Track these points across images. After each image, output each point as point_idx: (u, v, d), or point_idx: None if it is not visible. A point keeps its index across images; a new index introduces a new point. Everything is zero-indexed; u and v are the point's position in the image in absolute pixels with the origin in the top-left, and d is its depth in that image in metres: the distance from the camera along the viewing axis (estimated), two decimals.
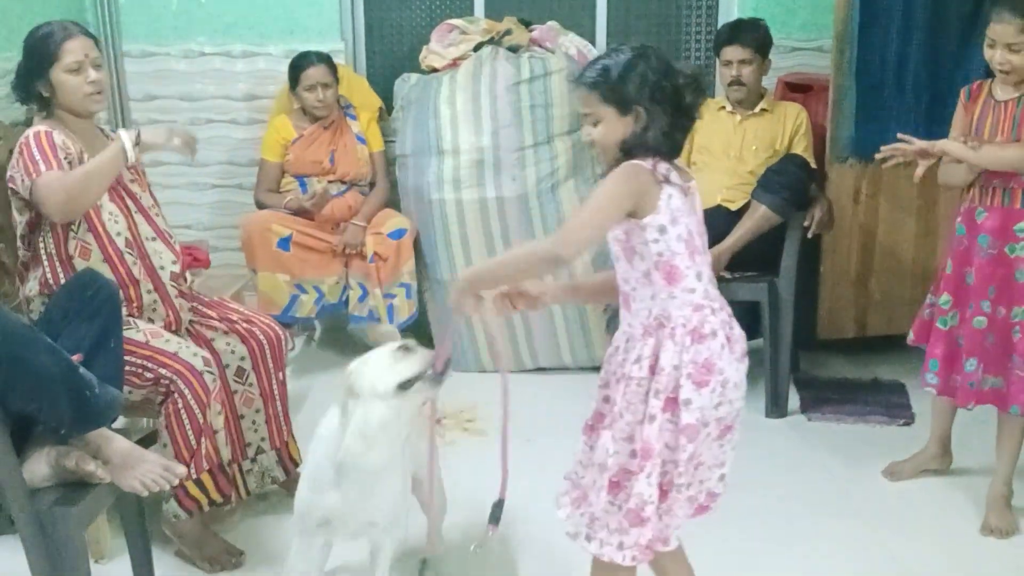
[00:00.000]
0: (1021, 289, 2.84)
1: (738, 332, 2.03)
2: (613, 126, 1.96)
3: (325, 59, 4.10)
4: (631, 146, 1.95)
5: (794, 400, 3.85)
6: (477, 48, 4.17)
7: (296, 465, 3.04)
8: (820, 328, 4.14)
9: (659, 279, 1.95)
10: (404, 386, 2.08)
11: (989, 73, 3.93)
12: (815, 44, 4.42)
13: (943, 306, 3.05)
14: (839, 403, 3.83)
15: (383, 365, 2.10)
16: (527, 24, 4.25)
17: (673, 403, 1.94)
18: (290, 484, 2.90)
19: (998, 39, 2.79)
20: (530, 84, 3.98)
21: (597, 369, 4.09)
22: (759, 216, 3.66)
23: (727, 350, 1.96)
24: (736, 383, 1.98)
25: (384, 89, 4.48)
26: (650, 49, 2.00)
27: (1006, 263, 2.85)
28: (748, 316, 4.21)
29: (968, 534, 2.92)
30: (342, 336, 4.55)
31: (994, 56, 2.82)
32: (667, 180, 1.92)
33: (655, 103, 1.94)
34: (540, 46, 4.16)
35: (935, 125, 3.99)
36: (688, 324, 1.95)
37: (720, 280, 3.62)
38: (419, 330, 4.24)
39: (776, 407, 3.76)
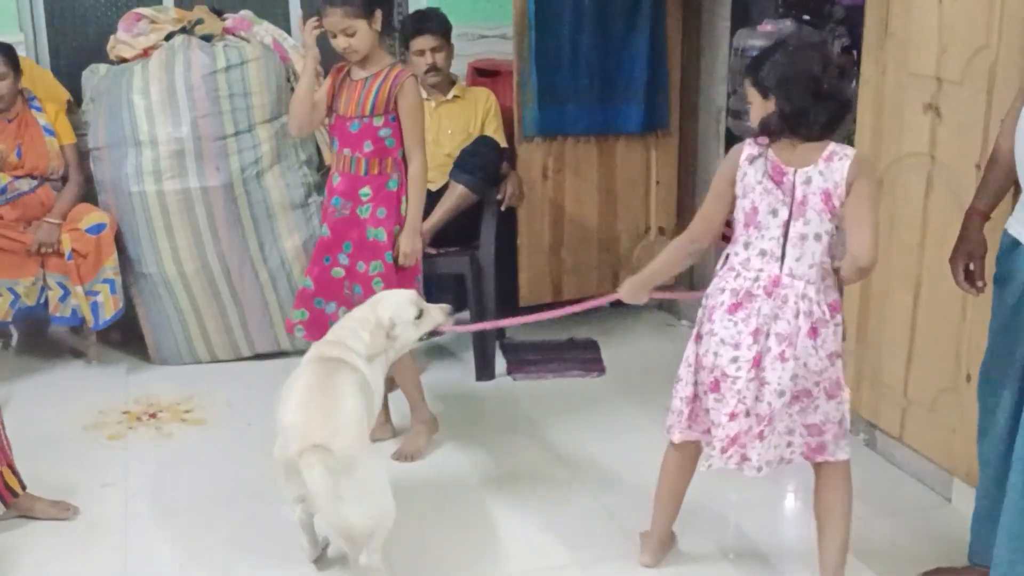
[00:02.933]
0: (371, 245, 3.19)
1: (760, 308, 2.31)
2: (756, 107, 2.31)
3: (2, 50, 3.90)
4: (760, 126, 2.30)
5: (501, 364, 4.13)
6: (168, 37, 4.11)
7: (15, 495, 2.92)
8: (521, 295, 4.45)
9: (733, 236, 2.42)
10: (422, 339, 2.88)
11: (653, 57, 4.41)
12: (499, 32, 4.69)
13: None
14: (541, 362, 4.16)
15: (411, 325, 2.82)
16: (219, 13, 4.23)
17: (696, 335, 2.46)
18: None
19: (333, 28, 3.08)
20: (227, 73, 3.98)
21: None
22: (457, 195, 3.89)
23: (724, 310, 2.34)
24: (724, 339, 2.34)
25: (71, 81, 4.30)
26: (791, 37, 2.36)
27: (358, 223, 3.21)
28: (455, 288, 4.48)
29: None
30: (42, 340, 4.36)
31: (338, 44, 3.11)
32: (752, 162, 2.31)
33: (783, 88, 2.24)
34: (234, 35, 4.16)
35: (607, 104, 4.42)
36: (716, 280, 2.41)
37: (425, 257, 3.88)
38: (126, 326, 4.15)
39: (485, 371, 4.02)
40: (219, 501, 3.06)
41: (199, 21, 4.13)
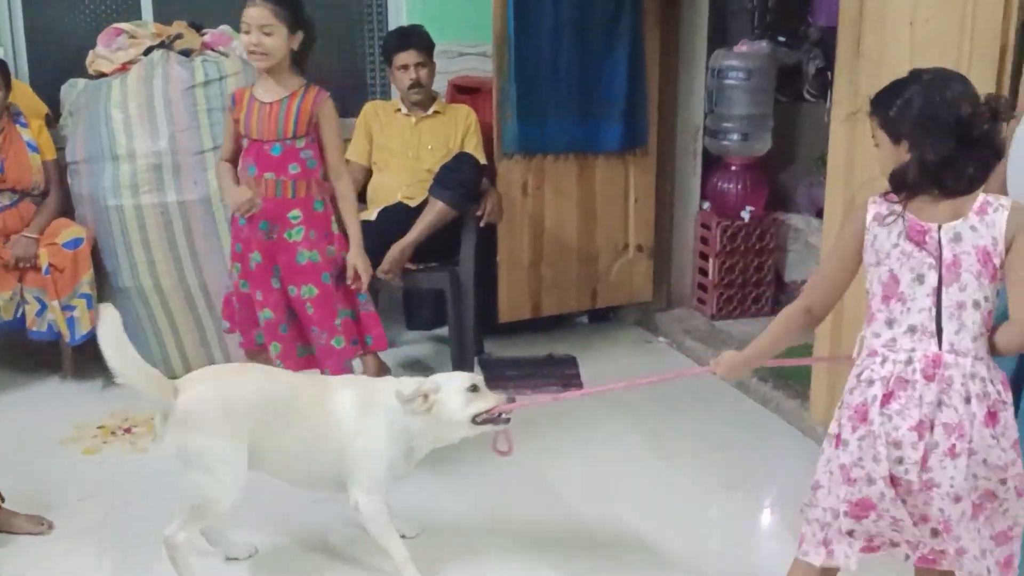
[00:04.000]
0: (304, 269, 3.16)
1: (921, 395, 1.91)
2: (885, 152, 1.97)
3: None
4: (893, 179, 1.94)
5: None
6: (147, 52, 4.11)
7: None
8: (500, 312, 4.48)
9: (867, 313, 2.03)
10: (474, 419, 2.58)
11: (632, 76, 4.46)
12: (479, 49, 4.73)
13: (242, 287, 3.29)
14: (519, 378, 4.17)
15: (457, 398, 2.57)
16: (198, 28, 4.24)
17: (836, 439, 2.02)
18: None
19: (253, 21, 3.03)
20: (205, 88, 3.99)
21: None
22: (437, 211, 3.91)
23: (878, 405, 1.93)
24: (886, 439, 1.92)
25: (50, 95, 4.30)
26: (926, 71, 1.96)
27: (287, 247, 3.17)
28: (435, 304, 4.49)
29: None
30: (19, 354, 4.33)
31: (249, 40, 3.05)
32: (882, 222, 1.95)
33: (921, 133, 1.89)
34: (213, 50, 4.17)
35: (587, 122, 4.47)
36: (857, 368, 2.00)
37: (405, 272, 3.90)
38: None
39: None
40: None
41: (178, 36, 4.14)
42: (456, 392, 2.57)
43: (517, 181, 4.38)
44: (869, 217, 1.98)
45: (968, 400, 1.89)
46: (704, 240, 4.79)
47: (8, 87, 3.99)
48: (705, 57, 4.64)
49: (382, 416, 2.59)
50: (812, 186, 4.80)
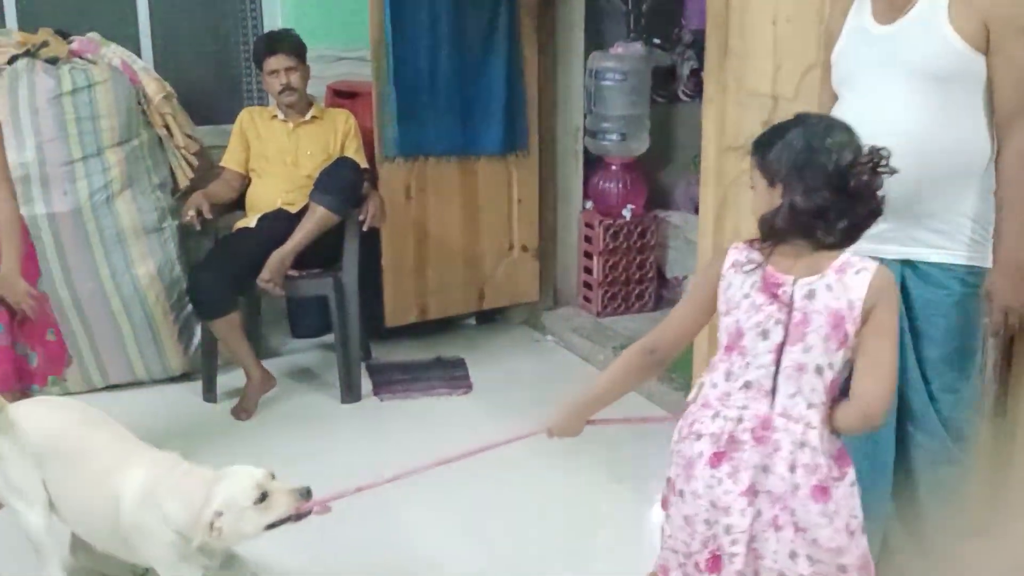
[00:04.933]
0: None
1: (748, 458, 1.78)
2: (759, 196, 1.82)
3: None
4: (761, 223, 1.81)
5: (368, 385, 4.12)
6: (12, 61, 3.96)
7: None
8: (387, 316, 4.45)
9: (711, 362, 1.90)
10: (270, 527, 2.25)
11: (511, 79, 4.50)
12: (357, 54, 4.69)
13: None
14: (407, 382, 4.16)
15: (248, 515, 2.23)
16: (65, 36, 4.10)
17: (672, 485, 1.90)
18: None
19: None
20: (73, 96, 3.86)
21: (173, 380, 4.14)
22: (318, 216, 3.87)
23: (705, 464, 1.81)
24: (715, 503, 1.80)
25: None
26: (810, 118, 1.83)
27: None
28: (320, 311, 4.45)
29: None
30: None
31: None
32: (739, 269, 1.82)
33: (797, 178, 1.75)
34: (81, 57, 4.05)
35: (467, 125, 4.49)
36: (688, 416, 1.88)
37: (287, 279, 3.85)
38: None
39: (350, 393, 3.99)
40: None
41: (44, 44, 4.00)
42: (243, 511, 2.23)
43: (400, 185, 4.36)
44: (727, 263, 1.86)
45: (794, 469, 1.76)
46: (588, 239, 4.86)
47: None
48: (583, 59, 4.71)
49: (164, 524, 2.29)
50: (690, 184, 4.91)
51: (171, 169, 4.15)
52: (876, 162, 1.76)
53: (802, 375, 1.77)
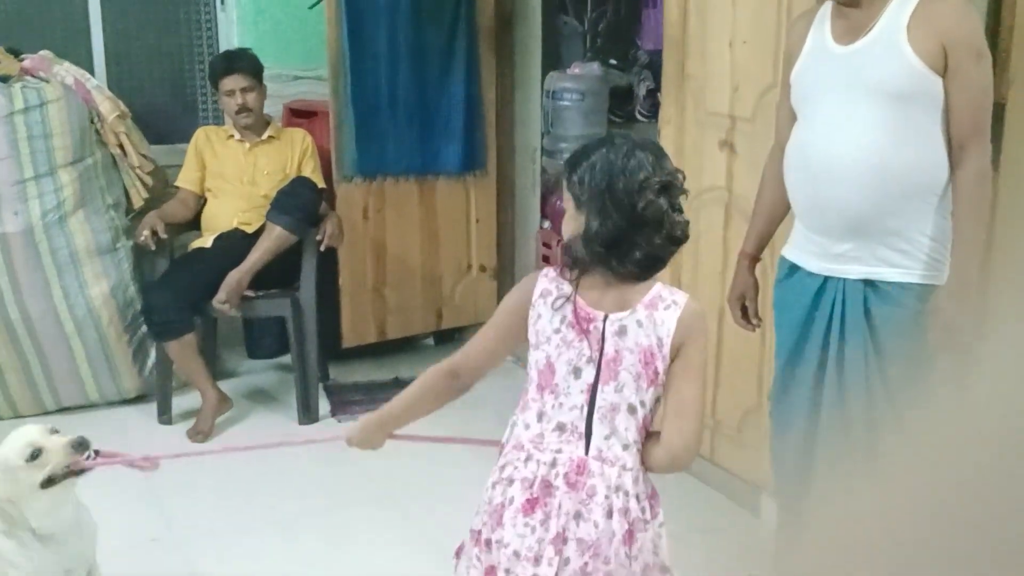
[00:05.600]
0: None
1: (561, 504, 1.66)
2: (569, 220, 1.70)
3: None
4: (563, 250, 1.70)
5: (325, 406, 4.08)
6: None
7: None
8: (344, 337, 4.42)
9: (522, 399, 1.77)
10: (47, 484, 2.19)
11: (469, 99, 4.51)
12: (315, 73, 4.68)
13: None
14: (366, 403, 4.12)
15: (21, 473, 2.18)
16: (16, 54, 4.04)
17: (478, 536, 1.76)
18: None
19: None
20: (25, 115, 3.80)
21: (127, 402, 4.07)
22: (275, 236, 3.84)
23: (517, 511, 1.68)
24: (519, 552, 1.67)
25: None
26: (617, 138, 1.70)
27: None
28: (277, 331, 4.41)
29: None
30: None
31: None
32: (550, 302, 1.70)
33: (596, 202, 1.64)
34: (33, 75, 3.99)
35: (426, 145, 4.49)
36: (504, 458, 1.75)
37: (244, 299, 3.81)
38: None
39: (307, 414, 3.95)
40: None
41: None
42: (17, 471, 2.18)
43: (358, 204, 4.35)
44: (536, 292, 1.73)
45: (610, 515, 1.66)
46: (546, 259, 4.86)
47: None
48: (540, 79, 4.73)
49: None
50: None
51: (125, 189, 4.09)
52: (666, 182, 1.64)
53: (616, 415, 1.69)
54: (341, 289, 4.35)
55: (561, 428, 1.70)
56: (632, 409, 1.69)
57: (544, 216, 4.93)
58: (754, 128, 2.92)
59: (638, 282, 1.69)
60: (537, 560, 1.66)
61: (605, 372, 1.68)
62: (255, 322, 4.52)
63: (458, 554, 1.85)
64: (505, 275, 4.94)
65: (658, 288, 1.71)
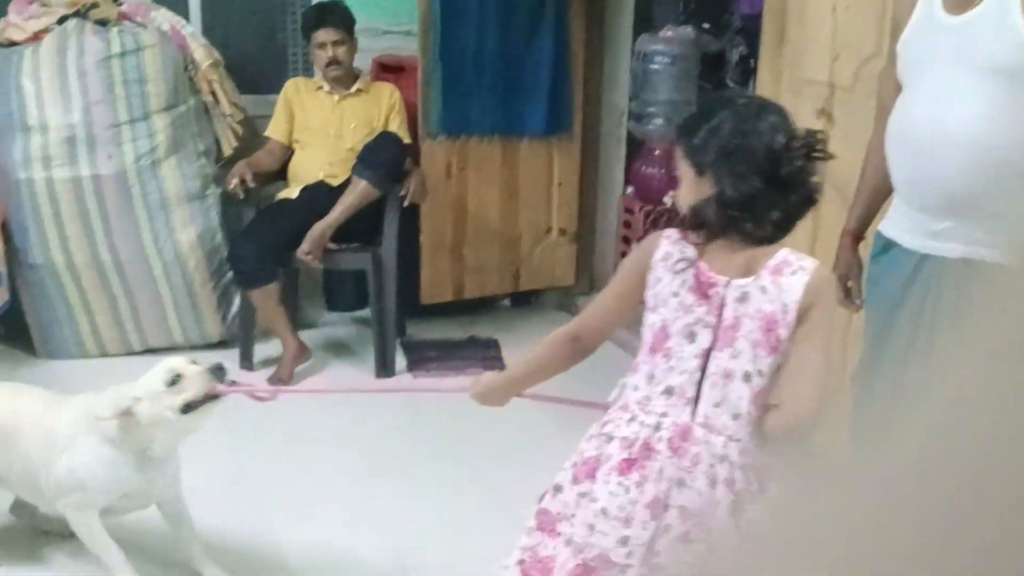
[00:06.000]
0: None
1: (662, 469, 1.63)
2: (687, 187, 1.68)
3: None
4: (690, 216, 1.67)
5: (401, 361, 4.11)
6: (61, 21, 3.98)
7: None
8: (422, 293, 4.45)
9: (633, 362, 1.75)
10: (186, 409, 2.31)
11: (557, 60, 4.46)
12: (404, 28, 4.68)
13: None
14: (441, 360, 4.15)
15: (162, 397, 2.30)
16: None
17: (554, 487, 1.76)
18: None
19: None
20: (121, 59, 3.87)
21: (210, 346, 4.16)
22: (360, 190, 3.86)
23: (612, 468, 1.66)
24: (607, 510, 1.65)
25: None
26: (738, 99, 1.71)
27: None
28: (357, 285, 4.45)
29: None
30: None
31: None
32: (671, 265, 1.67)
33: (725, 165, 1.61)
34: (131, 20, 4.06)
35: (511, 105, 4.46)
36: (607, 416, 1.74)
37: (326, 252, 3.85)
38: (12, 319, 3.99)
39: (384, 368, 3.99)
40: None
41: (94, 5, 4.01)
42: (158, 395, 2.31)
43: (441, 162, 4.35)
44: (658, 255, 1.70)
45: (714, 484, 1.62)
46: (627, 224, 4.82)
47: None
48: (631, 42, 4.66)
49: (95, 435, 2.38)
50: None
51: (216, 137, 4.16)
52: (811, 146, 1.62)
53: (729, 382, 1.64)
54: (421, 246, 4.37)
55: (669, 392, 1.68)
56: (747, 377, 1.64)
57: (628, 181, 4.88)
58: (853, 98, 2.83)
59: (771, 244, 1.65)
60: (627, 521, 1.63)
61: (722, 338, 1.65)
62: (335, 275, 4.57)
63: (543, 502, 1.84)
64: (585, 240, 4.91)
65: (784, 253, 1.66)
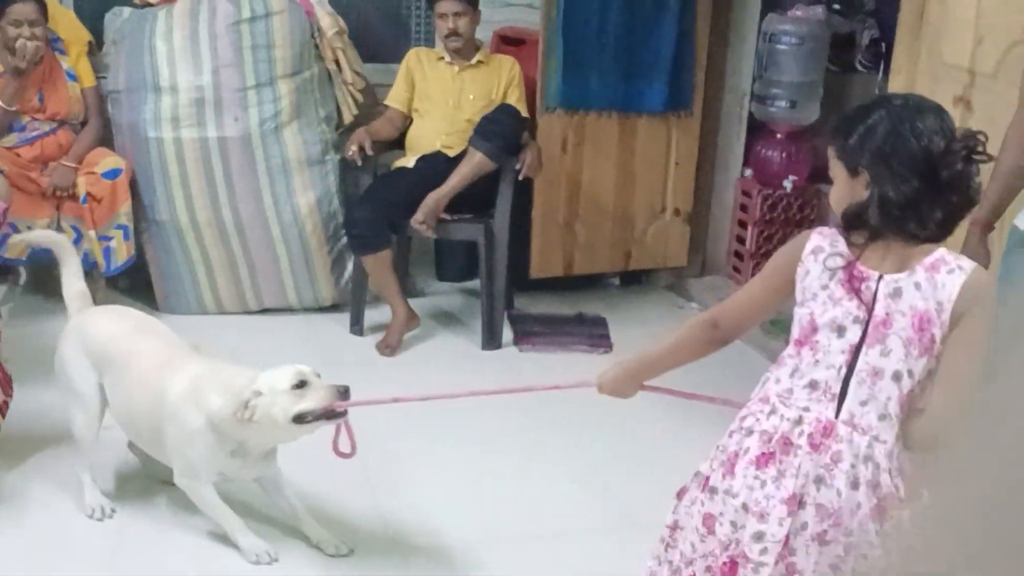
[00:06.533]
0: None
1: (801, 465, 1.61)
2: (840, 187, 1.67)
3: None
4: (846, 217, 1.64)
5: (508, 334, 4.12)
6: None
7: None
8: (532, 268, 4.44)
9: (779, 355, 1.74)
10: (299, 419, 2.32)
11: (680, 37, 4.38)
12: (526, 0, 4.66)
13: None
14: (547, 335, 4.14)
15: (282, 398, 2.31)
16: None
17: (705, 481, 1.74)
18: None
19: None
20: (251, 24, 3.95)
21: (322, 310, 4.24)
22: (476, 162, 3.86)
23: (750, 462, 1.65)
24: (747, 505, 1.64)
25: (93, 22, 4.27)
26: (895, 99, 1.67)
27: None
28: (467, 256, 4.47)
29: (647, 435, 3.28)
30: (51, 281, 4.34)
31: None
32: (822, 259, 1.66)
33: (883, 166, 1.59)
34: None
35: (631, 81, 4.39)
36: (747, 408, 1.72)
37: (440, 222, 3.87)
38: (134, 273, 4.14)
39: (491, 340, 4.00)
40: None
41: None
42: (279, 395, 2.31)
43: (557, 136, 4.32)
44: (808, 248, 1.68)
45: (855, 486, 1.59)
46: (744, 208, 4.72)
47: (47, 18, 3.95)
48: (758, 20, 4.54)
49: (201, 414, 2.40)
50: None
51: (337, 104, 4.22)
52: (972, 148, 1.58)
53: (877, 381, 1.60)
54: (533, 220, 4.36)
55: (813, 386, 1.64)
56: (897, 376, 1.59)
57: (746, 163, 4.77)
58: (995, 85, 2.69)
59: (932, 243, 1.62)
60: (763, 516, 1.62)
61: (872, 334, 1.61)
62: (446, 245, 4.60)
63: (680, 495, 1.81)
64: (700, 221, 4.82)
65: (941, 252, 1.61)
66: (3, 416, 2.87)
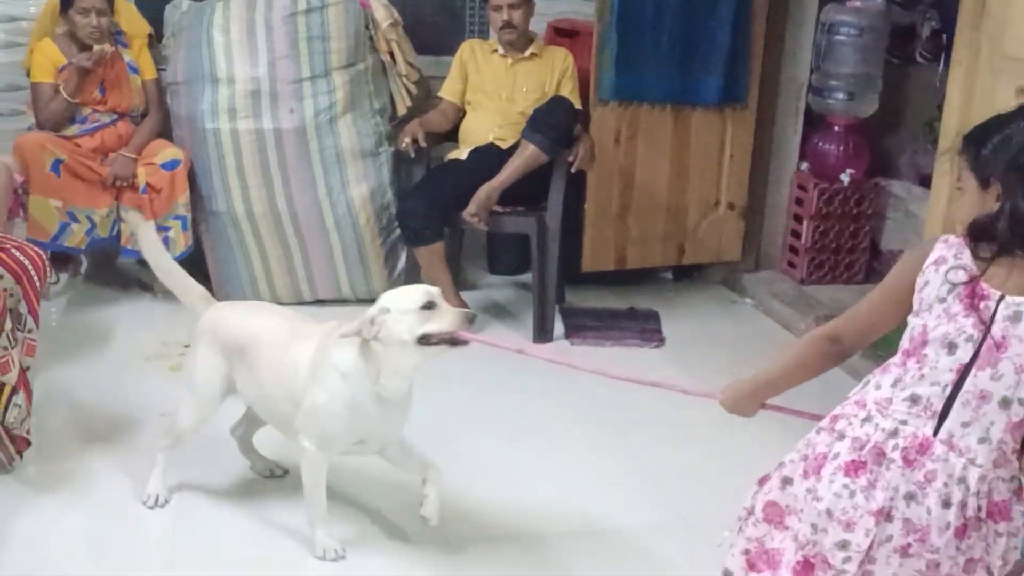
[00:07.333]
0: None
1: (891, 480, 1.58)
2: (969, 198, 1.62)
3: None
4: (973, 229, 1.59)
5: (559, 327, 4.11)
6: None
7: None
8: (584, 261, 4.43)
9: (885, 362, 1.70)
10: (424, 340, 2.28)
11: (736, 29, 4.33)
12: None
13: None
14: (599, 329, 4.12)
15: (409, 317, 2.27)
16: None
17: (780, 469, 1.74)
18: None
19: None
20: (307, 16, 3.99)
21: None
22: (528, 154, 3.86)
23: (839, 468, 1.63)
24: (832, 511, 1.62)
25: (153, 14, 4.34)
26: None
27: None
28: (519, 249, 4.47)
29: (712, 439, 3.27)
30: (111, 272, 4.44)
31: None
32: (943, 271, 1.59)
33: (1018, 178, 1.54)
34: None
35: (686, 74, 4.35)
36: (841, 408, 1.70)
37: (492, 214, 3.87)
38: (191, 262, 4.19)
39: (543, 333, 4.00)
40: (268, 429, 3.09)
41: None
42: (405, 312, 2.27)
43: (610, 129, 4.29)
44: (931, 259, 1.62)
45: (947, 505, 1.56)
46: (799, 202, 4.66)
47: (112, 10, 4.03)
48: (816, 12, 4.48)
49: (335, 373, 2.38)
50: (917, 153, 4.62)
51: (391, 96, 4.24)
52: None
53: (983, 405, 1.54)
54: (586, 213, 4.34)
55: (914, 400, 1.60)
56: (1006, 403, 1.54)
57: (803, 157, 4.71)
58: None
59: None
60: (849, 526, 1.60)
61: (984, 356, 1.54)
62: (498, 238, 4.60)
63: (762, 483, 1.79)
64: (754, 215, 4.77)
65: None
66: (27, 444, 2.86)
